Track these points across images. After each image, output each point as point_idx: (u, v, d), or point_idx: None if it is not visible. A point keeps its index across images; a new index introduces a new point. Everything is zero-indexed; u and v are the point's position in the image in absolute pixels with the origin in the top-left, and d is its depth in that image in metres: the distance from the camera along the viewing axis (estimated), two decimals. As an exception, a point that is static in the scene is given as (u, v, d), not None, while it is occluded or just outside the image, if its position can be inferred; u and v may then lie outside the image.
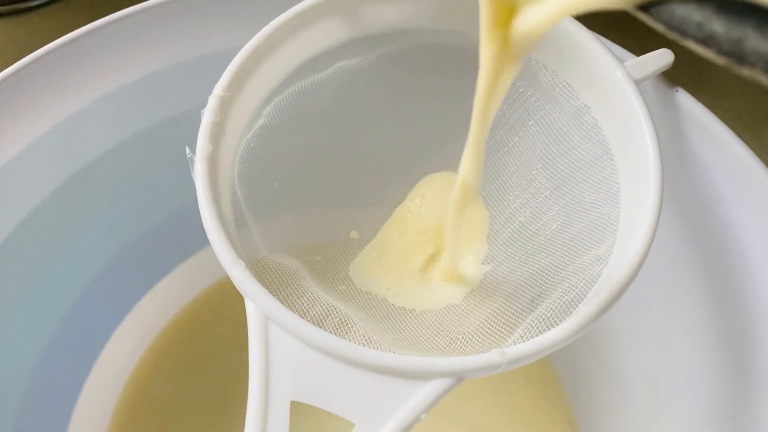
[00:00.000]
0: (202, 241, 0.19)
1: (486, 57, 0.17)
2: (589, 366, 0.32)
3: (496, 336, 0.21)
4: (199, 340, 0.34)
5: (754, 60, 0.10)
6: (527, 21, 0.16)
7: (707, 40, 0.11)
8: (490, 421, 0.32)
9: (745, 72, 0.10)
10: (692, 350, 0.25)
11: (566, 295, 0.20)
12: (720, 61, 0.10)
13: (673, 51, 0.22)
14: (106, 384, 0.32)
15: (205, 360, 0.33)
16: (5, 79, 0.24)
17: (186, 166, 0.20)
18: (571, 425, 0.32)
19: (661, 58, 0.22)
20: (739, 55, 0.10)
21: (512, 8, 0.16)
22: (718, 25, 0.10)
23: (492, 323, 0.22)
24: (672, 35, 0.11)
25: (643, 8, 0.12)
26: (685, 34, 0.11)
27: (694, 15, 0.11)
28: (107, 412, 0.32)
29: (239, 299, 0.18)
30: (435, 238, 0.25)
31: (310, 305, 0.21)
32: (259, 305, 0.18)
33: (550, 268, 0.22)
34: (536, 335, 0.18)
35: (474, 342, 0.21)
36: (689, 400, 0.25)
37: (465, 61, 0.21)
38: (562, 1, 0.14)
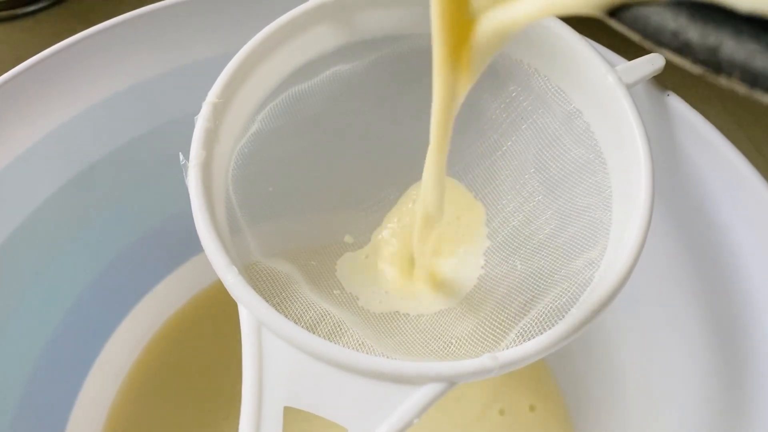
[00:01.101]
0: (198, 246, 0.19)
1: (439, 73, 0.17)
2: (584, 365, 0.32)
3: (489, 340, 0.21)
4: (194, 345, 0.34)
5: (730, 69, 0.10)
6: (488, 27, 0.15)
7: (682, 49, 0.10)
8: (485, 420, 0.32)
9: (722, 81, 0.10)
10: (686, 349, 0.25)
11: (559, 299, 0.20)
12: (696, 70, 0.10)
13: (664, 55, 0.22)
14: (103, 386, 0.32)
15: (199, 364, 0.34)
16: (2, 85, 0.24)
17: (181, 172, 0.20)
18: (567, 423, 0.32)
19: (652, 62, 0.22)
20: (715, 64, 0.10)
21: (469, 21, 0.15)
22: (693, 34, 0.10)
23: (485, 327, 0.22)
24: (647, 44, 0.11)
25: (617, 16, 0.12)
26: (660, 42, 0.11)
27: (669, 23, 0.10)
28: (104, 414, 0.32)
29: (234, 303, 0.19)
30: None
31: (303, 310, 0.21)
32: (251, 311, 0.18)
33: (543, 272, 0.23)
34: (529, 339, 0.19)
35: (467, 346, 0.21)
36: (682, 397, 0.25)
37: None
38: (533, 4, 0.13)
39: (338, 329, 0.20)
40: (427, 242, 0.22)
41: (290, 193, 0.25)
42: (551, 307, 0.20)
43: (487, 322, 0.22)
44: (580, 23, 0.22)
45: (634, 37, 0.11)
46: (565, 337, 0.18)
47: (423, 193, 0.20)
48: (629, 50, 0.23)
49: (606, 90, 0.21)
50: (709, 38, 0.10)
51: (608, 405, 0.30)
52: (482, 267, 0.24)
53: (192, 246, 0.32)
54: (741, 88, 0.10)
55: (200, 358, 0.34)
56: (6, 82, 0.24)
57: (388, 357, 0.19)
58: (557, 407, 0.33)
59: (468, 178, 0.26)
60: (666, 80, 0.23)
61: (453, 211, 0.26)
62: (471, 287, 0.24)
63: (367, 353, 0.19)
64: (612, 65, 0.21)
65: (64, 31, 0.26)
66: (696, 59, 0.10)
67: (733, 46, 0.10)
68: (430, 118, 0.25)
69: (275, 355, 0.18)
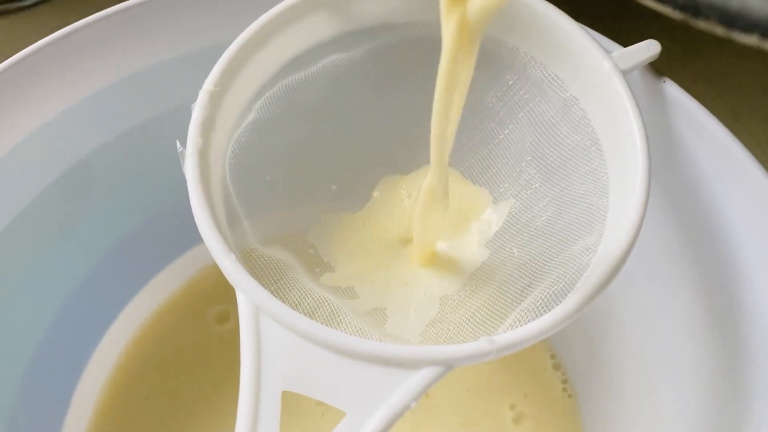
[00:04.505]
0: (195, 237, 0.19)
1: (446, 33, 0.17)
2: (584, 352, 0.32)
3: (487, 325, 0.21)
4: (192, 331, 0.34)
5: (708, 12, 0.10)
6: None
7: None
8: (483, 402, 0.32)
9: (701, 24, 0.10)
10: (683, 332, 0.25)
11: (556, 284, 0.21)
12: (677, 15, 0.11)
13: (659, 41, 0.23)
14: (100, 377, 0.32)
15: (198, 351, 0.34)
16: (-4, 77, 0.24)
17: (179, 163, 0.20)
18: (567, 410, 0.32)
19: (648, 48, 0.22)
20: (693, 8, 0.10)
21: None
22: None
23: (483, 313, 0.22)
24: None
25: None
26: None
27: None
28: (99, 405, 0.32)
29: (232, 291, 0.19)
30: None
31: (301, 297, 0.21)
32: (249, 296, 0.18)
33: (541, 258, 0.23)
34: (526, 323, 0.19)
35: (465, 332, 0.22)
36: (680, 379, 0.25)
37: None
38: None
39: (336, 316, 0.21)
40: (429, 226, 0.22)
41: (287, 181, 0.25)
42: (548, 292, 0.20)
43: (485, 308, 0.22)
44: (576, 10, 0.22)
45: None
46: (561, 322, 0.18)
47: (431, 166, 0.21)
48: (625, 37, 0.23)
49: (602, 77, 0.21)
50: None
51: (608, 389, 0.30)
52: (481, 254, 0.25)
53: (190, 237, 0.32)
54: (719, 30, 0.10)
55: (198, 344, 0.34)
56: (-1, 74, 0.24)
57: (385, 342, 0.19)
58: (558, 392, 0.33)
59: (465, 167, 0.26)
60: (662, 66, 0.24)
61: (455, 199, 0.26)
62: (470, 274, 0.24)
63: (365, 339, 0.19)
64: (608, 52, 0.21)
65: (59, 25, 0.26)
66: (676, 5, 0.11)
67: (710, -11, 0.10)
68: (427, 106, 0.25)
69: (273, 341, 0.18)
